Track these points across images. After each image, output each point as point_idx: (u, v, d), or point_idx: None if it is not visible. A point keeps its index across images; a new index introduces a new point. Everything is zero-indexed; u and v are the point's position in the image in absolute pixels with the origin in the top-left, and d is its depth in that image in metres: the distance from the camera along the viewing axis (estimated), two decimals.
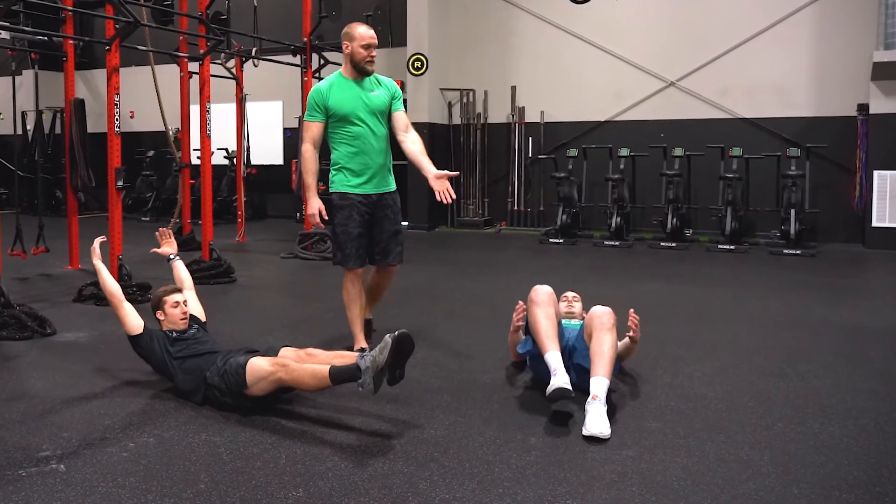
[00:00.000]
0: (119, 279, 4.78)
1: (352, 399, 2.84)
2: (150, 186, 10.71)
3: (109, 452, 2.40)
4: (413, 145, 3.37)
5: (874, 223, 7.38)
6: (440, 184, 3.21)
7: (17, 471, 2.26)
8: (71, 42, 6.01)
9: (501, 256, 7.33)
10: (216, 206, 8.60)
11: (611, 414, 2.65)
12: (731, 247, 7.26)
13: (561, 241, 7.96)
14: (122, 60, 5.07)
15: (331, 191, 3.40)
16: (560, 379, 2.66)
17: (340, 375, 2.56)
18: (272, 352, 2.88)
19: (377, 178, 3.39)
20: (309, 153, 3.37)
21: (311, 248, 6.96)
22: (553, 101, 9.17)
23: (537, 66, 9.24)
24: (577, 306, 3.26)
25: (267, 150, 10.73)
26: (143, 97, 9.08)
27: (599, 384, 2.65)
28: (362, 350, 3.34)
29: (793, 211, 7.18)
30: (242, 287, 5.56)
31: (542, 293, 2.96)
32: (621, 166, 8.21)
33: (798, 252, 6.98)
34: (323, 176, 3.46)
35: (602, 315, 2.83)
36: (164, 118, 7.75)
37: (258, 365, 2.67)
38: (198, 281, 5.21)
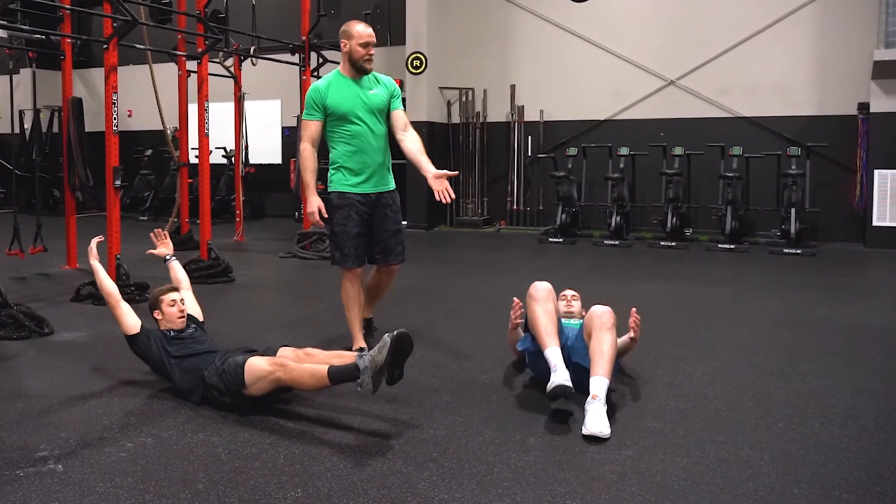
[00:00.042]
0: (117, 278, 4.77)
1: (350, 399, 2.83)
2: (148, 186, 10.69)
3: (107, 452, 2.39)
4: (412, 144, 3.36)
5: (875, 222, 7.38)
6: (439, 183, 3.19)
7: (15, 471, 2.26)
8: (69, 41, 6.00)
9: (501, 256, 7.32)
10: (214, 206, 8.59)
11: (610, 414, 2.65)
12: (732, 246, 7.26)
13: (560, 240, 7.95)
14: (120, 59, 5.06)
15: (329, 190, 3.39)
16: (560, 375, 2.66)
17: (339, 375, 2.55)
18: (270, 351, 2.87)
19: (376, 177, 3.38)
20: (307, 152, 3.36)
21: (310, 248, 6.95)
22: (552, 100, 9.16)
23: (537, 65, 9.23)
24: (576, 305, 3.26)
25: (265, 149, 10.72)
26: (141, 96, 9.06)
27: (599, 384, 2.64)
28: (361, 350, 3.33)
29: (793, 210, 7.18)
30: (241, 286, 5.55)
31: (541, 289, 2.96)
32: (621, 165, 8.21)
33: (798, 251, 6.98)
34: (321, 175, 3.44)
35: (602, 314, 2.82)
36: (162, 117, 7.72)
37: (257, 365, 2.67)
38: (196, 280, 5.22)
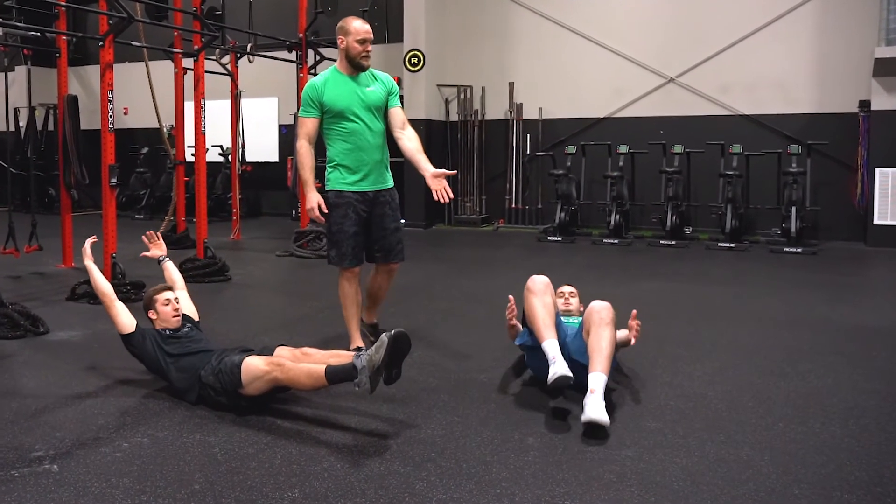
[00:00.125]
0: (113, 277, 4.76)
1: (348, 399, 2.82)
2: (144, 184, 10.65)
3: (103, 452, 2.39)
4: (410, 143, 3.34)
5: (876, 221, 7.35)
6: (437, 182, 3.18)
7: (10, 471, 2.25)
8: (64, 38, 5.98)
9: (499, 254, 7.30)
10: (211, 204, 8.54)
11: (610, 413, 2.63)
12: (732, 245, 7.24)
13: (559, 238, 7.93)
14: (116, 56, 5.04)
15: (326, 189, 3.36)
16: (559, 366, 2.66)
17: (336, 375, 2.54)
18: (267, 351, 2.86)
19: (374, 175, 3.35)
20: (304, 149, 3.33)
21: (307, 246, 6.93)
22: (551, 98, 9.14)
23: (535, 63, 9.21)
24: (574, 302, 3.24)
25: (262, 147, 10.69)
26: (136, 93, 9.03)
27: (597, 379, 2.64)
28: (358, 349, 3.31)
29: (794, 208, 7.16)
30: (237, 285, 5.54)
31: (538, 282, 2.96)
32: (620, 163, 8.19)
33: (799, 250, 6.96)
34: (319, 173, 3.42)
35: (601, 310, 2.82)
36: (158, 115, 7.70)
37: (253, 364, 2.66)
38: (192, 279, 5.23)
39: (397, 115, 3.40)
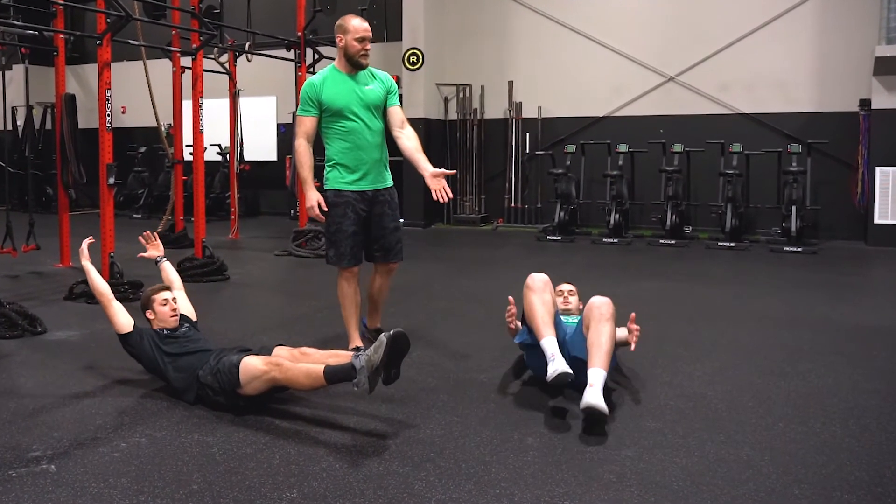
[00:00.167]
0: (111, 277, 4.75)
1: (347, 399, 2.81)
2: (141, 183, 10.64)
3: (101, 452, 2.38)
4: (409, 142, 3.33)
5: (876, 220, 7.35)
6: (436, 182, 3.17)
7: (7, 471, 2.24)
8: (62, 36, 5.96)
9: (498, 254, 7.30)
10: (209, 203, 8.55)
11: (610, 413, 2.63)
12: (732, 244, 7.24)
13: (559, 238, 7.92)
14: (114, 55, 5.02)
15: (325, 188, 3.35)
16: (558, 363, 2.66)
17: (335, 375, 2.54)
18: (266, 350, 2.85)
19: (372, 174, 3.34)
20: (303, 147, 3.32)
21: (306, 246, 6.91)
22: (551, 97, 9.13)
23: (535, 61, 9.20)
24: (573, 301, 3.23)
25: (260, 146, 10.68)
26: (134, 92, 9.02)
27: (596, 374, 2.64)
28: (357, 349, 3.30)
29: (794, 208, 7.15)
30: (236, 285, 5.52)
31: (538, 280, 2.96)
32: (620, 162, 8.18)
33: (799, 249, 6.95)
34: (317, 172, 3.41)
35: (601, 305, 2.81)
36: (156, 114, 7.69)
37: (252, 364, 2.66)
38: (190, 279, 5.22)
39: (396, 114, 3.39)
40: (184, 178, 7.23)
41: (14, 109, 10.57)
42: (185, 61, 6.69)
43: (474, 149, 9.46)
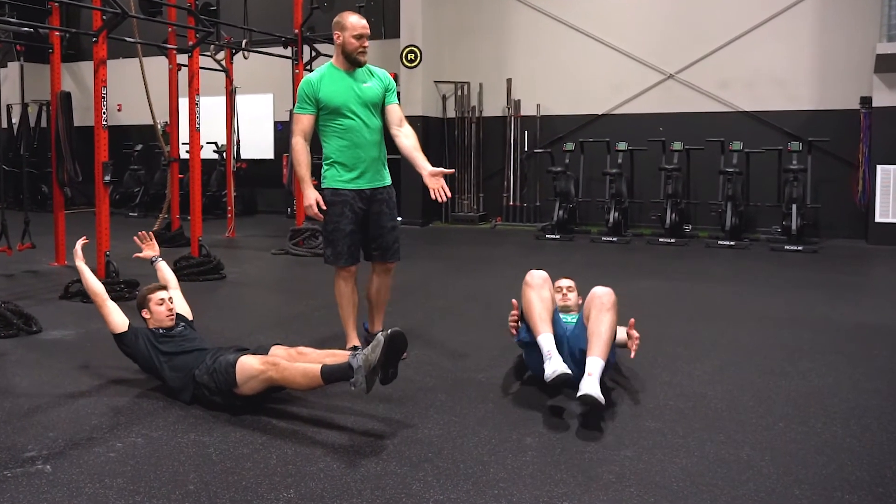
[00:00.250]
0: (106, 276, 4.73)
1: (344, 398, 2.80)
2: (138, 181, 10.61)
3: (96, 453, 2.37)
4: (407, 140, 3.31)
5: (877, 218, 7.34)
6: (435, 181, 3.15)
7: (3, 471, 2.24)
8: (57, 33, 5.95)
9: (497, 253, 7.28)
10: (205, 202, 8.53)
11: (609, 413, 2.62)
12: (732, 243, 7.23)
13: (557, 236, 7.91)
14: (110, 52, 5.00)
15: (323, 187, 3.32)
16: (555, 363, 2.65)
17: (332, 374, 2.53)
18: (262, 350, 2.85)
19: (370, 173, 3.31)
20: (300, 145, 3.30)
21: (303, 244, 6.89)
22: (549, 94, 9.11)
23: (533, 59, 9.18)
24: (572, 297, 3.21)
25: (257, 144, 10.65)
26: (130, 90, 8.97)
27: (594, 364, 2.63)
28: (354, 348, 3.28)
29: (794, 206, 7.14)
30: (232, 284, 5.51)
31: (536, 277, 2.96)
32: (619, 160, 8.17)
33: (800, 248, 6.94)
34: (315, 170, 3.39)
35: (602, 295, 2.81)
36: (152, 111, 7.66)
37: (248, 363, 2.65)
38: (187, 278, 5.20)
39: (394, 112, 3.36)
40: (180, 176, 7.21)
41: (9, 107, 10.53)
42: (182, 58, 6.65)
43: (472, 147, 9.44)
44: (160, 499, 2.06)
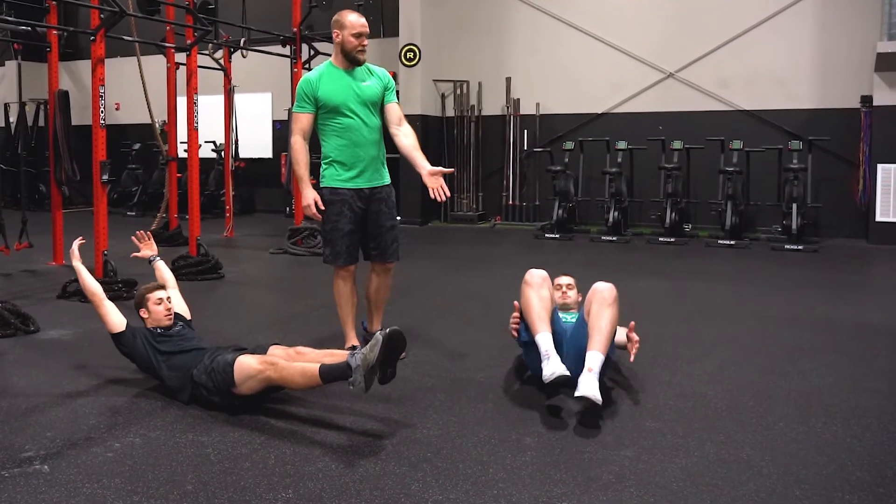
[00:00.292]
0: (104, 275, 4.72)
1: (342, 398, 2.79)
2: (135, 180, 10.60)
3: (94, 453, 2.37)
4: (406, 139, 3.30)
5: (878, 218, 7.33)
6: (434, 181, 3.14)
7: (0, 472, 2.23)
8: (55, 32, 5.93)
9: (496, 252, 7.28)
10: (204, 201, 8.48)
11: (608, 413, 2.62)
12: (732, 242, 7.22)
13: (557, 236, 7.90)
14: (108, 51, 4.99)
15: (321, 186, 3.31)
16: (554, 363, 2.65)
17: (331, 374, 2.52)
18: (261, 350, 2.84)
19: (369, 172, 3.30)
20: (299, 144, 3.29)
21: (301, 244, 6.88)
22: (549, 93, 9.10)
23: (532, 57, 9.17)
24: (572, 295, 3.20)
25: (256, 143, 10.64)
26: (128, 89, 8.97)
27: (594, 358, 2.63)
28: (353, 348, 3.27)
29: (794, 205, 7.13)
30: (230, 283, 5.50)
31: (536, 275, 2.96)
32: (619, 159, 8.16)
33: (800, 247, 6.94)
34: (314, 169, 3.38)
35: (604, 290, 2.81)
36: (150, 110, 7.65)
37: (246, 363, 2.64)
38: (185, 277, 5.19)
39: (394, 110, 3.35)
40: (178, 175, 7.19)
41: (7, 106, 10.51)
42: (180, 57, 6.64)
43: (472, 146, 9.43)
44: (158, 499, 2.05)
